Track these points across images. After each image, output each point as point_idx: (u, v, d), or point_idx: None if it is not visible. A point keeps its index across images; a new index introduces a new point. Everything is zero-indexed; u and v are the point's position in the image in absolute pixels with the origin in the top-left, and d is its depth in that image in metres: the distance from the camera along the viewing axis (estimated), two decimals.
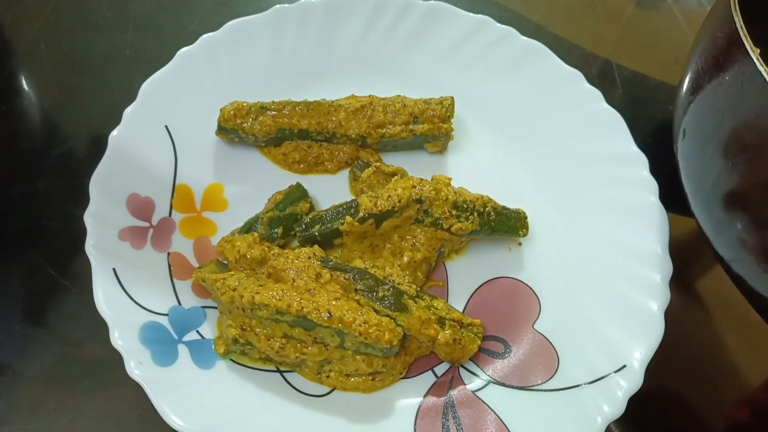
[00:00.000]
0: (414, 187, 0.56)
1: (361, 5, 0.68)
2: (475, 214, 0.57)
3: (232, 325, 0.52)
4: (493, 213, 0.58)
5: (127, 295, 0.54)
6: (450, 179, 0.59)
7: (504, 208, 0.59)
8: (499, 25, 0.67)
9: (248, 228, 0.58)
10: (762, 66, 0.41)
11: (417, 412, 0.53)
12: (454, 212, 0.56)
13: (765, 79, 0.40)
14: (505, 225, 0.58)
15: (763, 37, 0.51)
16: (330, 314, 0.50)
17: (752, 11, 0.47)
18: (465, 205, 0.57)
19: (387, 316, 0.52)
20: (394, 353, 0.52)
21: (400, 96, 0.64)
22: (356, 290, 0.53)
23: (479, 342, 0.54)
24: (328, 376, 0.53)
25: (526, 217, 0.59)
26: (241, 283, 0.52)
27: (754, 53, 0.42)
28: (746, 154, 0.44)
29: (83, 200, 0.56)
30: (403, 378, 0.54)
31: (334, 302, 0.50)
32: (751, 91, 0.42)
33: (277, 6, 0.67)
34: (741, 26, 0.43)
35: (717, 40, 0.47)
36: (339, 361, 0.53)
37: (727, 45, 0.45)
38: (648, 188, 0.59)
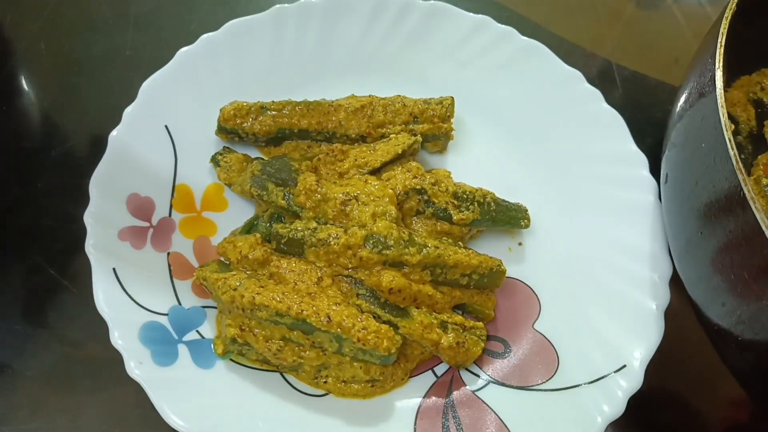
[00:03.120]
0: (415, 177, 0.56)
1: (361, 5, 0.68)
2: (476, 204, 0.57)
3: (231, 324, 0.52)
4: (493, 203, 0.58)
5: (127, 295, 0.54)
6: (449, 172, 0.60)
7: (504, 200, 0.59)
8: (499, 25, 0.67)
9: (249, 228, 0.58)
10: (732, 149, 0.41)
11: (417, 412, 0.53)
12: (454, 202, 0.56)
13: (733, 165, 0.40)
14: (506, 215, 0.58)
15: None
16: (329, 318, 0.50)
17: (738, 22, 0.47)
18: (465, 196, 0.57)
19: (388, 321, 0.52)
20: (392, 362, 0.52)
21: (400, 96, 0.64)
22: (358, 295, 0.53)
23: (483, 344, 0.54)
24: (325, 381, 0.53)
25: (526, 210, 0.60)
26: (242, 284, 0.52)
27: (727, 132, 0.41)
28: (714, 229, 0.44)
29: (83, 200, 0.56)
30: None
31: (334, 307, 0.50)
32: (722, 172, 0.42)
33: (277, 6, 0.67)
34: (722, 105, 0.43)
35: (702, 92, 0.47)
36: (336, 367, 0.53)
37: (704, 119, 0.45)
38: (648, 188, 0.59)
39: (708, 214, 0.44)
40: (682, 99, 0.51)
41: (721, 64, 0.45)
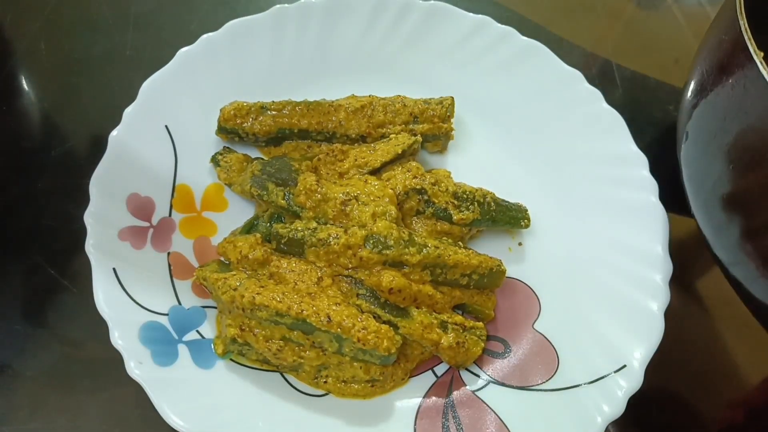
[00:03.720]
0: (415, 177, 0.57)
1: (361, 5, 0.68)
2: (476, 203, 0.57)
3: (231, 324, 0.52)
4: (493, 203, 0.58)
5: (127, 294, 0.54)
6: (449, 172, 0.60)
7: (504, 200, 0.59)
8: (499, 25, 0.67)
9: (248, 228, 0.58)
10: (765, 69, 0.41)
11: (417, 412, 0.53)
12: (454, 202, 0.56)
13: (767, 82, 0.40)
14: (506, 215, 0.58)
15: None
16: (329, 318, 0.50)
17: (759, 17, 0.46)
18: (465, 196, 0.57)
19: (388, 321, 0.52)
20: (392, 362, 0.52)
21: (400, 96, 0.64)
22: (358, 295, 0.53)
23: (483, 345, 0.54)
24: (325, 381, 0.53)
25: (526, 210, 0.60)
26: (242, 284, 0.52)
27: (757, 56, 0.41)
28: (747, 157, 0.44)
29: (83, 200, 0.56)
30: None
31: (334, 307, 0.50)
32: (753, 94, 0.42)
33: (277, 6, 0.67)
34: (746, 29, 0.43)
35: (722, 43, 0.47)
36: (336, 367, 0.53)
37: (732, 48, 0.45)
38: (648, 188, 0.59)
39: (739, 143, 0.44)
40: (702, 56, 0.51)
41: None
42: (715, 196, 0.47)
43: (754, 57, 0.41)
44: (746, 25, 0.43)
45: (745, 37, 0.43)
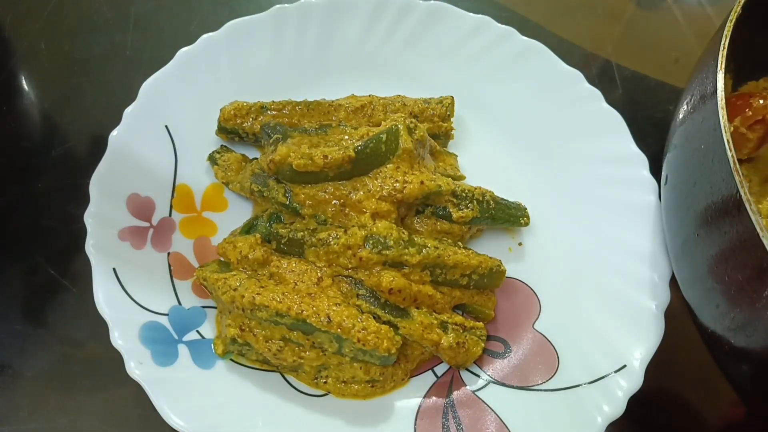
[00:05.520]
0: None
1: (361, 5, 0.68)
2: (475, 202, 0.57)
3: (231, 324, 0.52)
4: (492, 202, 0.58)
5: (127, 295, 0.54)
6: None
7: (503, 199, 0.59)
8: (499, 25, 0.67)
9: (248, 229, 0.58)
10: (730, 150, 0.40)
11: (417, 412, 0.53)
12: (454, 200, 0.56)
13: (731, 167, 0.40)
14: (505, 213, 0.58)
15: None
16: (329, 319, 0.50)
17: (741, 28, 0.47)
18: (464, 194, 0.57)
19: (388, 322, 0.52)
20: (392, 362, 0.52)
21: (400, 96, 0.64)
22: (358, 295, 0.53)
23: (483, 345, 0.54)
24: (325, 382, 0.53)
25: (526, 208, 0.60)
26: (242, 284, 0.52)
27: (726, 134, 0.41)
28: (710, 230, 0.44)
29: (83, 200, 0.56)
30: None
31: (334, 307, 0.50)
32: (720, 174, 0.42)
33: (277, 6, 0.67)
34: (722, 107, 0.43)
35: (704, 98, 0.47)
36: (336, 368, 0.53)
37: (704, 121, 0.45)
38: (648, 188, 0.59)
39: (705, 215, 0.44)
40: (685, 102, 0.51)
41: (723, 66, 0.44)
42: (685, 251, 0.48)
43: (724, 138, 0.41)
44: (726, 119, 0.43)
45: (721, 125, 0.42)
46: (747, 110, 0.54)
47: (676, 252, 0.51)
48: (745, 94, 0.57)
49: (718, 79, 0.44)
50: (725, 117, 0.42)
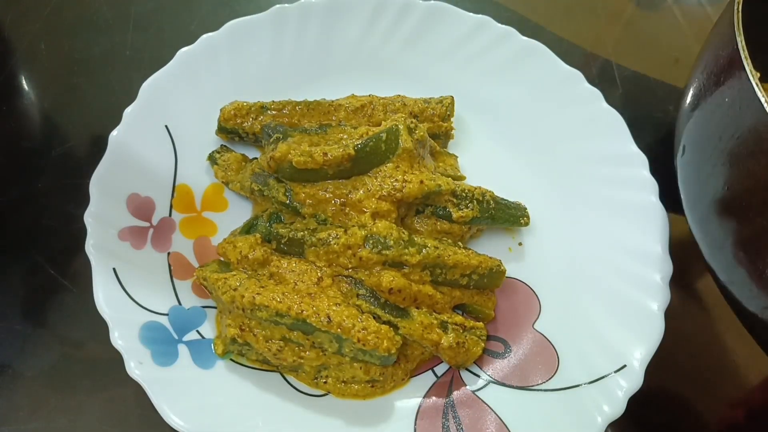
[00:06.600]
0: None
1: (361, 5, 0.68)
2: (475, 202, 0.57)
3: (231, 324, 0.52)
4: (492, 201, 0.58)
5: (127, 294, 0.54)
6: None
7: (503, 199, 0.59)
8: (499, 25, 0.67)
9: (248, 228, 0.58)
10: (760, 91, 0.40)
11: (417, 412, 0.53)
12: (454, 200, 0.56)
13: (762, 104, 0.40)
14: (505, 213, 0.58)
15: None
16: (329, 319, 0.50)
17: (755, 32, 0.46)
18: (464, 194, 0.57)
19: (388, 321, 0.52)
20: (392, 362, 0.52)
21: (400, 95, 0.64)
22: (358, 295, 0.53)
23: (483, 345, 0.54)
24: (325, 382, 0.53)
25: (525, 208, 0.60)
26: (242, 284, 0.52)
27: (753, 78, 0.41)
28: (741, 177, 0.44)
29: (83, 200, 0.56)
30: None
31: (334, 307, 0.50)
32: (748, 114, 0.41)
33: (277, 6, 0.67)
34: (743, 48, 0.43)
35: (719, 59, 0.46)
36: (336, 368, 0.52)
37: (728, 66, 0.44)
38: (648, 188, 0.59)
39: (734, 161, 0.44)
40: (700, 68, 0.50)
41: (739, 9, 0.44)
42: (711, 212, 0.48)
43: (751, 79, 0.41)
44: (744, 43, 0.43)
45: (742, 56, 0.42)
46: None
47: (700, 215, 0.50)
48: None
49: (735, 18, 0.44)
50: (747, 57, 0.42)
